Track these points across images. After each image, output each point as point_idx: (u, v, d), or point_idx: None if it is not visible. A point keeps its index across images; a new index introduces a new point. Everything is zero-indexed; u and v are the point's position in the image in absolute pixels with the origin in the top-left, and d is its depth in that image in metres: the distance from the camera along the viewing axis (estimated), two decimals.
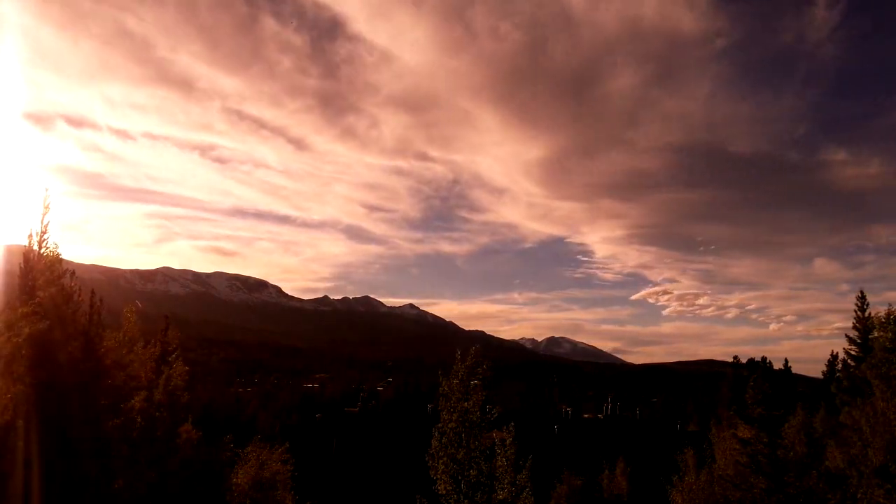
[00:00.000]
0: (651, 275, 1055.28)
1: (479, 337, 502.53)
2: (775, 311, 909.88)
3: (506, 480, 14.21)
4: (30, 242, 12.66)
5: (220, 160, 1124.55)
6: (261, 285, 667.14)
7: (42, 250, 12.72)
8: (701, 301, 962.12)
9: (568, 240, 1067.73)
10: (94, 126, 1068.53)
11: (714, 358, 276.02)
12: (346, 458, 79.11)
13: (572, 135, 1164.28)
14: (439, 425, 14.69)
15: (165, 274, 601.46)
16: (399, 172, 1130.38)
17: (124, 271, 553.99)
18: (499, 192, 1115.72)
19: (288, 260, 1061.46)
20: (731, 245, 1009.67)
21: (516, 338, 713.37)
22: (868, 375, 17.19)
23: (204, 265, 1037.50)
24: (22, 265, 12.26)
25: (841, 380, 26.08)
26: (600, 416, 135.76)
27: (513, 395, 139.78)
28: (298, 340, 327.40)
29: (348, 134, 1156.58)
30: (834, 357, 36.87)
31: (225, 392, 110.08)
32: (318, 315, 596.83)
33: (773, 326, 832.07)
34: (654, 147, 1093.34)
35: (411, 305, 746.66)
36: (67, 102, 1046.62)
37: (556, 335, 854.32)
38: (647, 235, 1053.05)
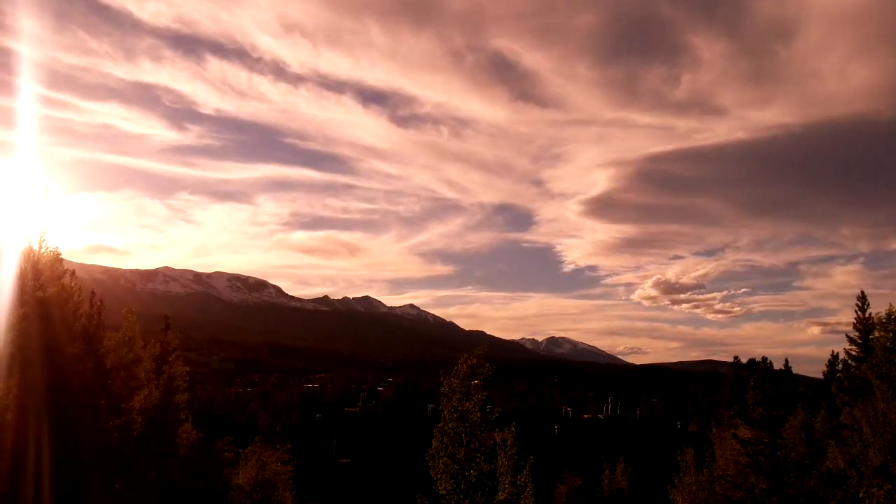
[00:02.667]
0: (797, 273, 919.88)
1: (479, 337, 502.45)
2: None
3: (506, 480, 14.20)
4: (30, 242, 12.66)
5: (412, 120, 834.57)
6: (261, 285, 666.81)
7: (42, 250, 12.71)
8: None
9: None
10: (248, 63, 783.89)
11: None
12: (346, 458, 79.02)
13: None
14: (440, 425, 14.65)
15: (165, 274, 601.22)
16: (661, 130, 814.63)
17: (124, 271, 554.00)
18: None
19: (407, 256, 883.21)
20: None
21: (517, 338, 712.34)
22: (869, 376, 17.18)
23: (305, 259, 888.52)
24: (22, 265, 12.26)
25: (841, 380, 26.03)
26: (600, 416, 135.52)
27: (513, 396, 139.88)
28: (298, 340, 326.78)
29: (619, 82, 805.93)
30: (834, 357, 36.84)
31: (225, 392, 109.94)
32: (318, 315, 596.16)
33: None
34: None
35: (411, 306, 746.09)
36: (215, 28, 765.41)
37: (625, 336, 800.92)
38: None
